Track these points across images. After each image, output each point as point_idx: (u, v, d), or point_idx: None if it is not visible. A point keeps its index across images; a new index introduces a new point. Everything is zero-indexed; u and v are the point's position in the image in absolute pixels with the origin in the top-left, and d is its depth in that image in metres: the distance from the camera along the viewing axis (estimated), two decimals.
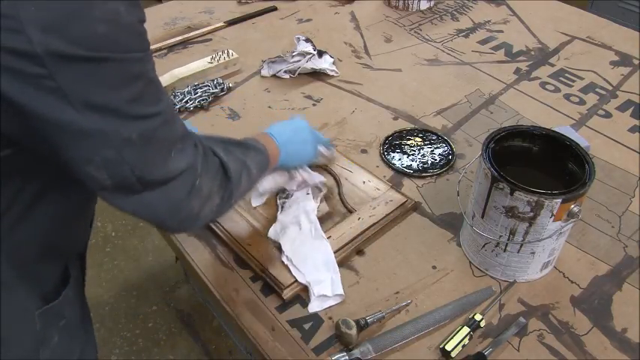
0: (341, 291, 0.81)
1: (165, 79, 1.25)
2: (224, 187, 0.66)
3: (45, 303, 0.69)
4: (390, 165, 1.05)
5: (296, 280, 0.82)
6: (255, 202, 0.95)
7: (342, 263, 0.86)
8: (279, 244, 0.86)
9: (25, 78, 0.46)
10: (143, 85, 0.53)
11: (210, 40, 1.48)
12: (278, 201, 0.95)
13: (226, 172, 0.66)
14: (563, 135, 0.82)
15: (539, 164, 0.84)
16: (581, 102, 1.24)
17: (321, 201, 0.95)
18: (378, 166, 1.06)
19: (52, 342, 0.71)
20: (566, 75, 1.33)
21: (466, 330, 0.75)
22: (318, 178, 0.95)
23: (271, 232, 0.89)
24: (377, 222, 0.91)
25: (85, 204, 0.73)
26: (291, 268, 0.83)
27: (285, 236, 0.86)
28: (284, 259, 0.84)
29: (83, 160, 0.52)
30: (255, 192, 0.92)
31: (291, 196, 0.94)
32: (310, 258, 0.83)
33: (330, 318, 0.79)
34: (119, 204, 0.58)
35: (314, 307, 0.80)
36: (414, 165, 1.06)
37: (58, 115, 0.48)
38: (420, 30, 1.53)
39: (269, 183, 0.91)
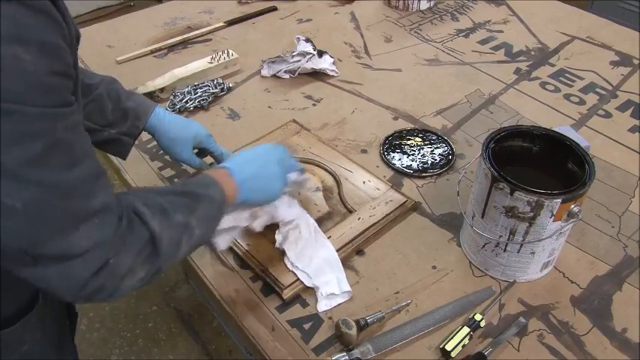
0: (348, 288, 0.81)
1: (165, 79, 1.25)
2: (150, 262, 0.58)
3: (2, 327, 0.66)
4: (390, 165, 1.05)
5: (297, 280, 0.82)
6: (222, 246, 0.82)
7: (342, 263, 0.86)
8: (284, 250, 0.86)
9: None
10: (45, 147, 0.46)
11: (210, 40, 1.48)
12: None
13: (155, 246, 0.58)
14: (563, 135, 0.82)
15: (539, 164, 0.84)
16: (581, 102, 1.24)
17: (317, 189, 0.93)
18: (378, 166, 1.06)
19: None
20: (566, 75, 1.33)
21: (466, 330, 0.75)
22: (303, 179, 0.90)
23: (277, 242, 0.87)
24: (377, 222, 0.91)
25: None
26: (297, 272, 0.83)
27: (287, 242, 0.86)
28: (289, 264, 0.84)
29: None
30: (216, 234, 0.80)
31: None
32: (314, 260, 0.83)
33: (330, 318, 0.79)
34: (12, 270, 0.50)
35: (322, 306, 0.80)
36: (414, 165, 1.05)
37: None
38: (420, 30, 1.53)
39: (228, 222, 0.81)
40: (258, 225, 0.86)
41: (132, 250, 0.56)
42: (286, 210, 0.87)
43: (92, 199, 0.52)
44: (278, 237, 0.88)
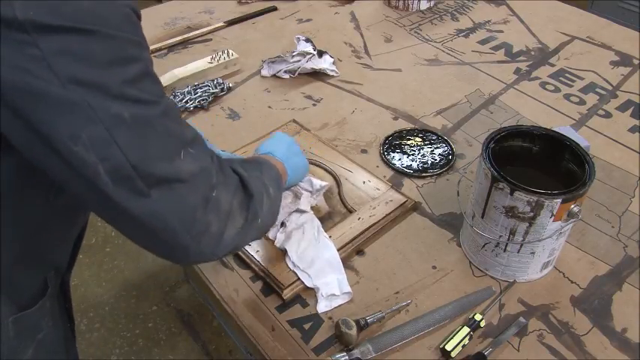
0: (349, 289, 0.81)
1: (165, 79, 1.25)
2: (246, 207, 0.60)
3: (21, 311, 0.66)
4: (390, 165, 1.05)
5: (297, 280, 0.82)
6: (279, 241, 0.87)
7: (342, 263, 0.86)
8: (285, 250, 0.86)
9: (9, 44, 0.44)
10: (140, 72, 0.50)
11: (210, 40, 1.48)
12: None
13: (247, 190, 0.61)
14: (563, 135, 0.82)
15: (539, 164, 0.84)
16: (581, 102, 1.24)
17: (316, 195, 0.93)
18: (378, 166, 1.06)
19: (25, 354, 0.68)
20: (566, 75, 1.33)
21: (466, 330, 0.75)
22: (319, 183, 0.93)
23: (278, 242, 0.88)
24: (377, 222, 0.91)
25: (54, 218, 0.66)
26: (298, 272, 0.83)
27: (290, 242, 0.86)
28: (290, 265, 0.84)
29: (69, 138, 0.47)
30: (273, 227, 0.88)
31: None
32: (317, 261, 0.83)
33: (330, 318, 0.79)
34: (124, 204, 0.51)
35: (322, 307, 0.80)
36: (414, 165, 1.05)
37: (42, 85, 0.45)
38: (420, 30, 1.53)
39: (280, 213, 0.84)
40: (305, 204, 0.91)
41: (229, 188, 0.58)
42: (318, 181, 0.93)
43: (185, 127, 0.55)
44: (280, 236, 0.88)
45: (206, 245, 0.56)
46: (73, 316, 0.86)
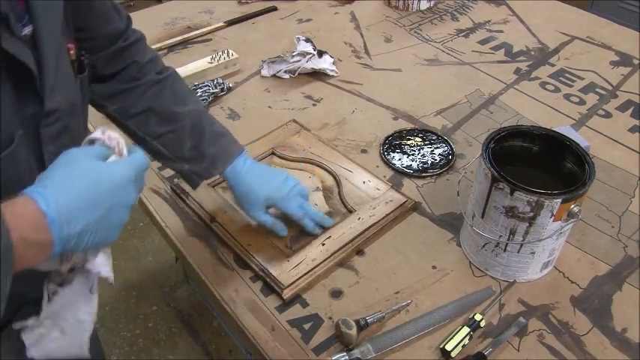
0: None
1: None
2: None
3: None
4: (390, 165, 1.05)
5: (297, 280, 0.82)
6: None
7: (342, 263, 0.87)
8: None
9: None
10: None
11: (210, 40, 1.48)
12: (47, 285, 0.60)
13: None
14: (563, 135, 0.82)
15: (539, 164, 0.84)
16: (581, 102, 1.24)
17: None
18: (378, 166, 1.06)
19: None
20: (566, 75, 1.33)
21: (466, 330, 0.75)
22: (101, 267, 0.61)
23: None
24: (377, 222, 0.91)
25: None
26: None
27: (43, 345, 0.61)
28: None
29: None
30: None
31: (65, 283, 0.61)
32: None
33: (330, 318, 0.79)
34: None
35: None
36: (414, 165, 1.05)
37: None
38: (420, 30, 1.53)
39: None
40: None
41: None
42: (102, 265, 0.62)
43: None
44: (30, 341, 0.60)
45: None
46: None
